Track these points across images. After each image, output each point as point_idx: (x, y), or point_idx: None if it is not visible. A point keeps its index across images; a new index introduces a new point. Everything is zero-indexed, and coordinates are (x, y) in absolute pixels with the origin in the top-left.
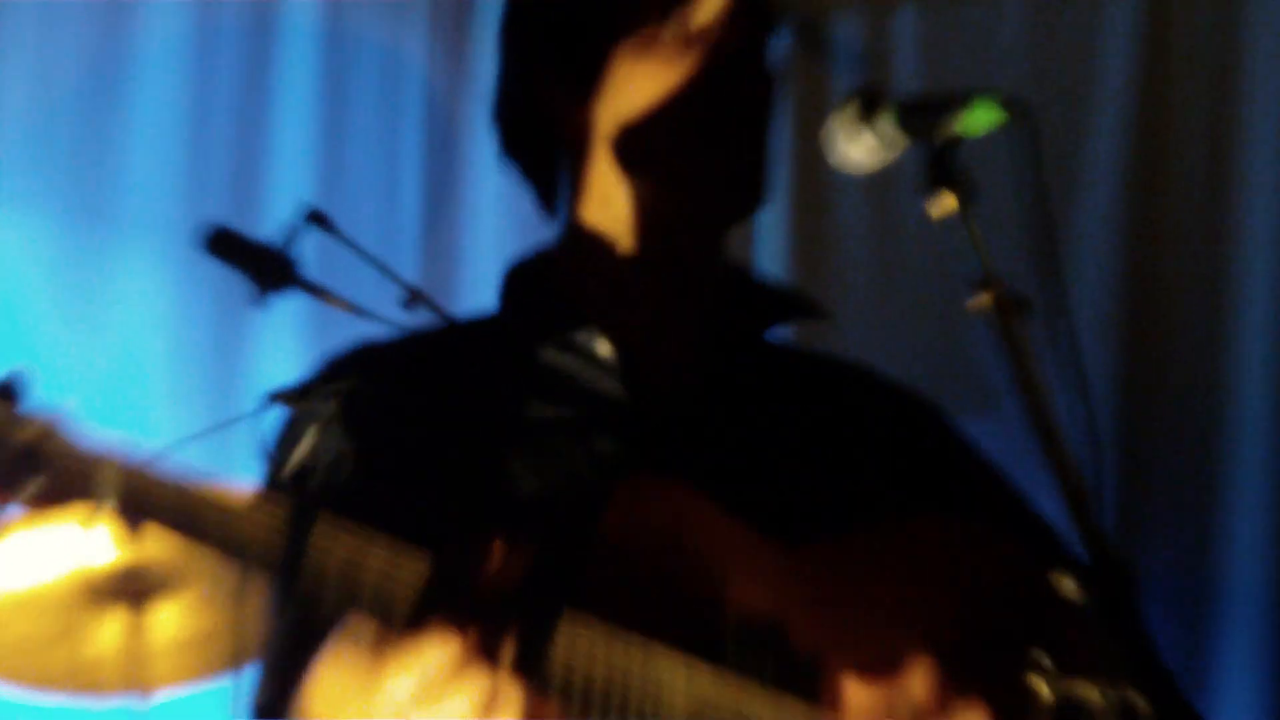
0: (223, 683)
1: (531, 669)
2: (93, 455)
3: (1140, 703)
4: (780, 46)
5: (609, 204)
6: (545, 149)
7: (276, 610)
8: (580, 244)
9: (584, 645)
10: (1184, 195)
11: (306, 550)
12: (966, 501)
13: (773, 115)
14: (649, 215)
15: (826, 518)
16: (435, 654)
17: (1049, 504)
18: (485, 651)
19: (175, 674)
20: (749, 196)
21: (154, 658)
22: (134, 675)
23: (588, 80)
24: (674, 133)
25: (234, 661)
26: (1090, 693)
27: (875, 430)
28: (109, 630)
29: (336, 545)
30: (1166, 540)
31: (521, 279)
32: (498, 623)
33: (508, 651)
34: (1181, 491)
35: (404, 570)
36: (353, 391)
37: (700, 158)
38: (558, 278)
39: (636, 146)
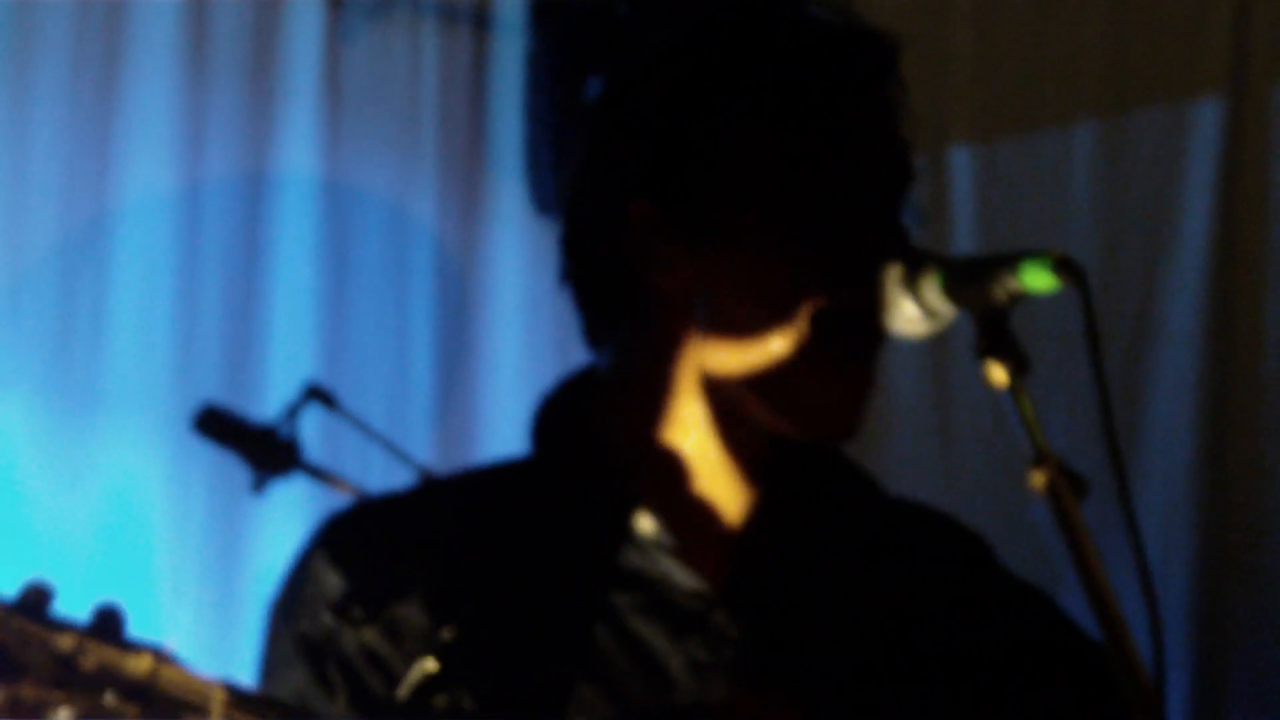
0: None
1: None
2: (203, 686)
3: None
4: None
5: (687, 389)
6: (621, 289)
7: None
8: (634, 394)
9: None
10: (1263, 335)
11: None
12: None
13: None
14: (736, 414)
15: (936, 704)
16: None
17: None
18: None
19: None
20: (848, 428)
21: None
22: None
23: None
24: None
25: None
26: None
27: (967, 583)
28: None
29: None
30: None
31: (557, 415)
32: None
33: None
34: (1256, 676)
35: None
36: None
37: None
38: (600, 417)
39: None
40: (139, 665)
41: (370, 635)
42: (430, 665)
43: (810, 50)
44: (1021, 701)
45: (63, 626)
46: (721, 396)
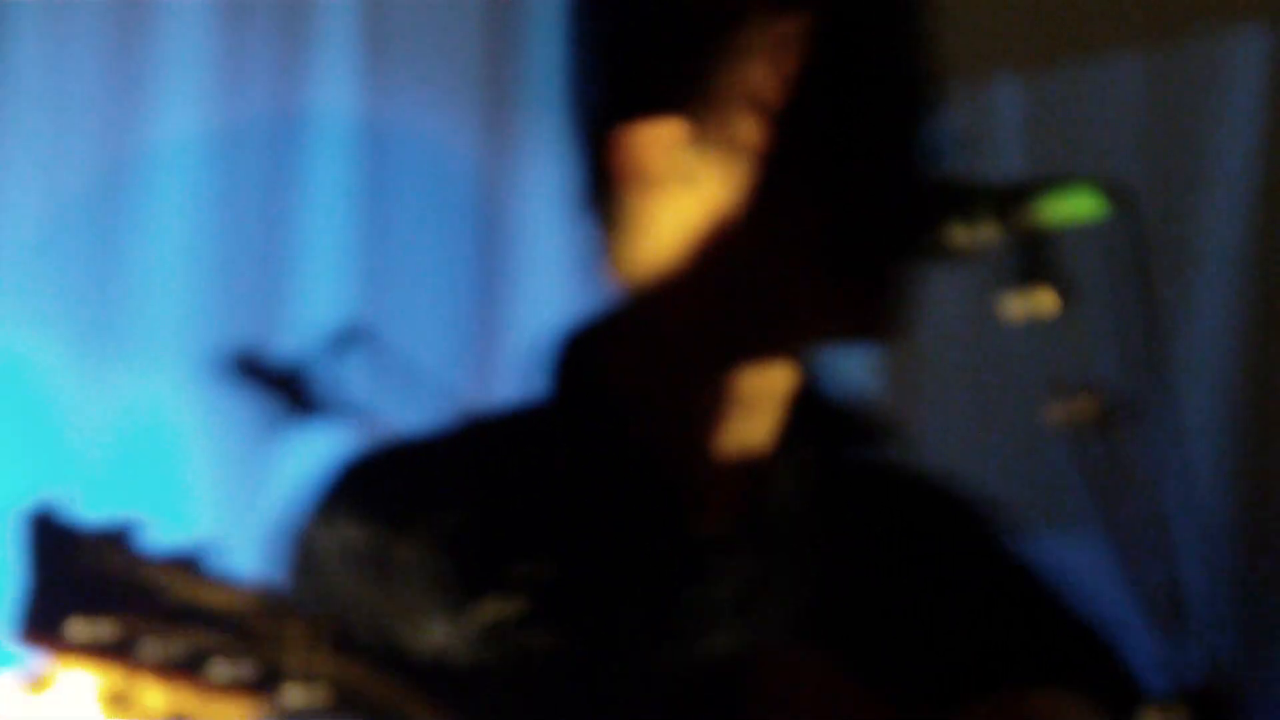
0: None
1: None
2: (299, 624)
3: None
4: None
5: (701, 271)
6: (618, 192)
7: None
8: (649, 319)
9: None
10: None
11: None
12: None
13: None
14: (764, 298)
15: (939, 686)
16: None
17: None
18: None
19: None
20: (883, 318)
21: None
22: None
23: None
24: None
25: None
26: None
27: (969, 553)
28: None
29: None
30: None
31: (575, 358)
32: None
33: None
34: None
35: None
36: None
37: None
38: (611, 355)
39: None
40: (229, 597)
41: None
42: (510, 607)
43: None
44: (1032, 669)
45: (151, 560)
46: (748, 325)
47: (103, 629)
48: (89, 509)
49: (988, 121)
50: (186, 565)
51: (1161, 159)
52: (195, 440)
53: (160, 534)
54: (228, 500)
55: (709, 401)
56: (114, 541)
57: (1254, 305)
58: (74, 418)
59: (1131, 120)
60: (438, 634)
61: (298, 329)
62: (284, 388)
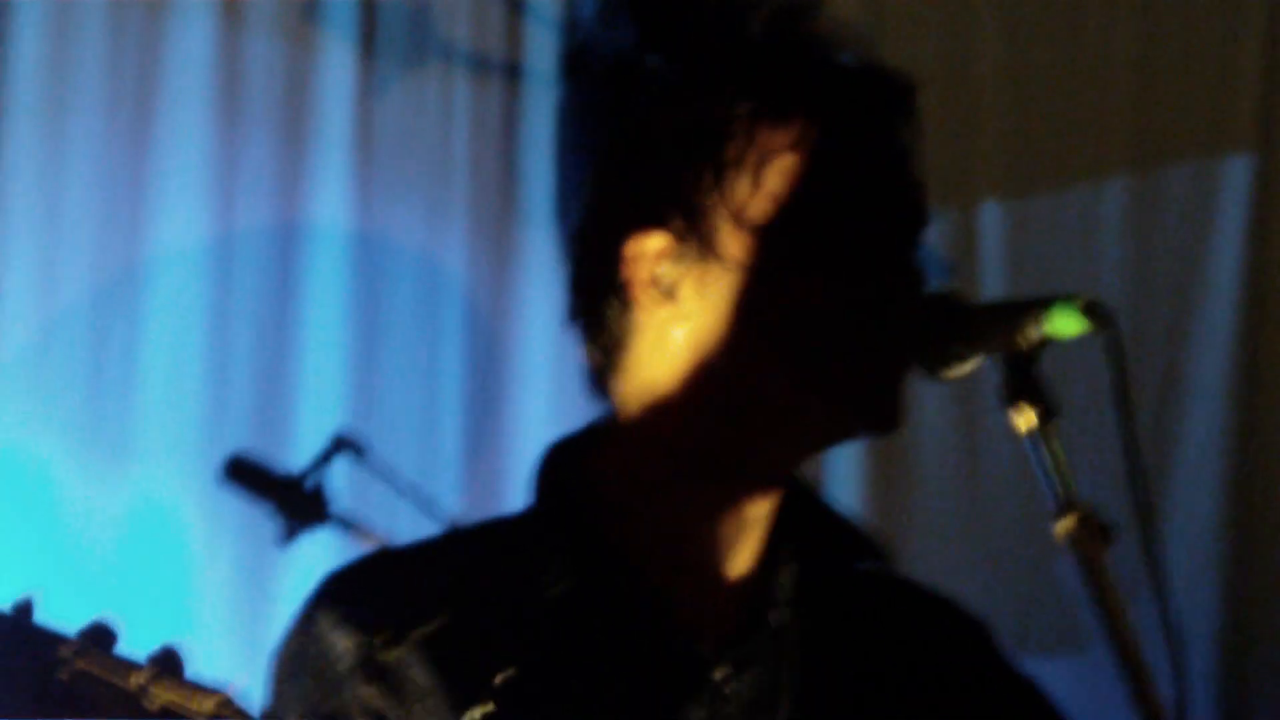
0: None
1: None
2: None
3: None
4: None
5: (684, 383)
6: (606, 306)
7: None
8: (635, 431)
9: None
10: None
11: None
12: None
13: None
14: (748, 420)
15: None
16: None
17: None
18: None
19: None
20: (887, 419)
21: None
22: None
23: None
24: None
25: None
26: None
27: (962, 671)
28: None
29: None
30: None
31: (559, 468)
32: None
33: None
34: None
35: None
36: (437, 636)
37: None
38: (599, 466)
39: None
40: (206, 705)
41: (370, 693)
42: (487, 710)
43: (824, 88)
44: None
45: (131, 666)
46: (734, 434)
47: None
48: (92, 600)
49: (972, 248)
50: (166, 667)
51: (1146, 286)
52: (195, 537)
53: (140, 637)
54: (228, 595)
55: (699, 515)
56: (90, 644)
57: (1240, 423)
58: (77, 513)
59: (1116, 248)
60: None
61: (293, 436)
62: (280, 494)
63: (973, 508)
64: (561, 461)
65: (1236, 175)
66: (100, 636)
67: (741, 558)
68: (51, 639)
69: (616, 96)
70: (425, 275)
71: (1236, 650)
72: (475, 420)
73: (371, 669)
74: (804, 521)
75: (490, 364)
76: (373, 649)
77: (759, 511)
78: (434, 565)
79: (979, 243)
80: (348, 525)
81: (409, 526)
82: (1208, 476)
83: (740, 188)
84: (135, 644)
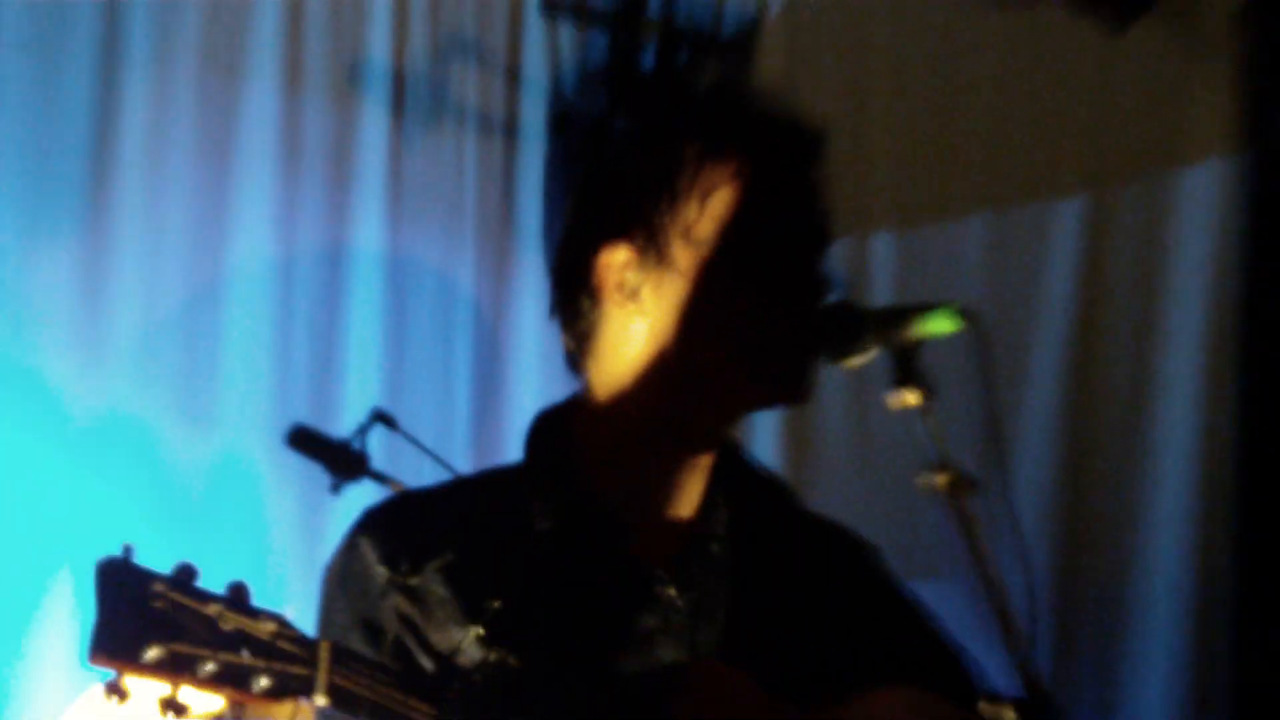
0: None
1: None
2: (314, 644)
3: None
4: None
5: (648, 363)
6: (581, 304)
7: None
8: (604, 399)
9: None
10: (1112, 393)
11: None
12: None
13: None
14: (691, 390)
15: (829, 687)
16: None
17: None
18: None
19: None
20: (796, 388)
21: None
22: None
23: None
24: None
25: None
26: None
27: (858, 585)
28: None
29: None
30: (1088, 680)
31: (545, 430)
32: None
33: None
34: (1099, 643)
35: None
36: (454, 571)
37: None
38: (576, 429)
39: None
40: (268, 628)
41: (403, 602)
42: (479, 631)
43: (754, 135)
44: (901, 672)
45: (208, 597)
46: (682, 403)
47: (165, 651)
48: (184, 535)
49: (865, 271)
50: (237, 599)
51: (1001, 300)
52: (266, 487)
53: (222, 564)
54: (292, 534)
55: (653, 467)
56: (176, 582)
57: (1071, 405)
58: (174, 466)
59: (979, 270)
60: (454, 636)
61: (340, 410)
62: (330, 455)
63: (863, 464)
64: (546, 425)
65: (1069, 216)
66: (185, 574)
67: (686, 501)
68: (148, 576)
69: (589, 147)
70: (441, 287)
71: (1066, 572)
72: (481, 397)
73: (399, 587)
74: (734, 473)
75: (493, 353)
76: (400, 575)
77: (700, 465)
78: (447, 503)
79: (871, 265)
80: (382, 479)
81: (429, 480)
82: (1045, 444)
83: (689, 212)
84: (219, 570)
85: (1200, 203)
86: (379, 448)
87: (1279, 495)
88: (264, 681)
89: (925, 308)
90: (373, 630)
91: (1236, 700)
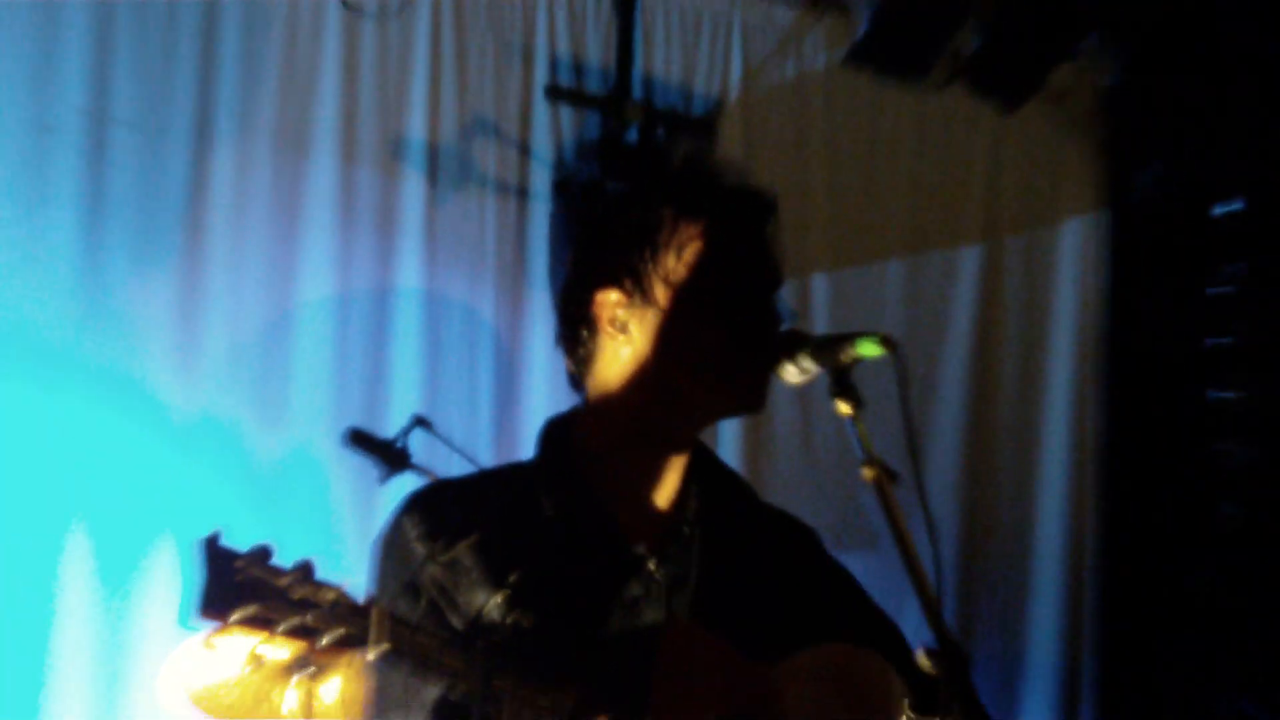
0: None
1: None
2: (366, 613)
3: None
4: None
5: (635, 380)
6: (581, 335)
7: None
8: (600, 410)
9: None
10: (1006, 401)
11: (489, 683)
12: (853, 615)
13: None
14: (670, 402)
15: (780, 643)
16: None
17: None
18: None
19: None
20: (754, 400)
21: (321, 715)
22: None
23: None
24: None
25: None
26: None
27: (802, 561)
28: (293, 697)
29: (503, 680)
30: (988, 632)
31: (553, 434)
32: None
33: None
34: (999, 601)
35: (544, 699)
36: (480, 547)
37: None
38: (577, 434)
39: (686, 348)
40: (329, 596)
41: (438, 570)
42: (501, 598)
43: (716, 199)
44: (838, 631)
45: (281, 571)
46: (663, 413)
47: (249, 612)
48: (262, 515)
49: (806, 305)
50: (304, 572)
51: (915, 331)
52: (329, 477)
53: (292, 538)
54: (349, 515)
55: (638, 464)
56: (256, 558)
57: (972, 410)
58: (253, 458)
59: (897, 306)
60: (478, 599)
61: (387, 416)
62: (380, 451)
63: (806, 460)
64: (553, 431)
65: (970, 260)
66: (263, 552)
67: (665, 492)
68: (231, 555)
69: (585, 205)
70: (468, 317)
71: (972, 544)
72: (500, 406)
73: (434, 559)
74: (704, 470)
75: (510, 371)
76: (435, 552)
77: (676, 463)
78: (473, 491)
79: (811, 300)
80: (421, 471)
81: (460, 473)
82: (953, 443)
83: (667, 261)
84: (289, 543)
85: (1074, 248)
86: (419, 446)
87: (1135, 478)
88: (326, 639)
89: (856, 336)
90: (413, 593)
91: (1104, 632)
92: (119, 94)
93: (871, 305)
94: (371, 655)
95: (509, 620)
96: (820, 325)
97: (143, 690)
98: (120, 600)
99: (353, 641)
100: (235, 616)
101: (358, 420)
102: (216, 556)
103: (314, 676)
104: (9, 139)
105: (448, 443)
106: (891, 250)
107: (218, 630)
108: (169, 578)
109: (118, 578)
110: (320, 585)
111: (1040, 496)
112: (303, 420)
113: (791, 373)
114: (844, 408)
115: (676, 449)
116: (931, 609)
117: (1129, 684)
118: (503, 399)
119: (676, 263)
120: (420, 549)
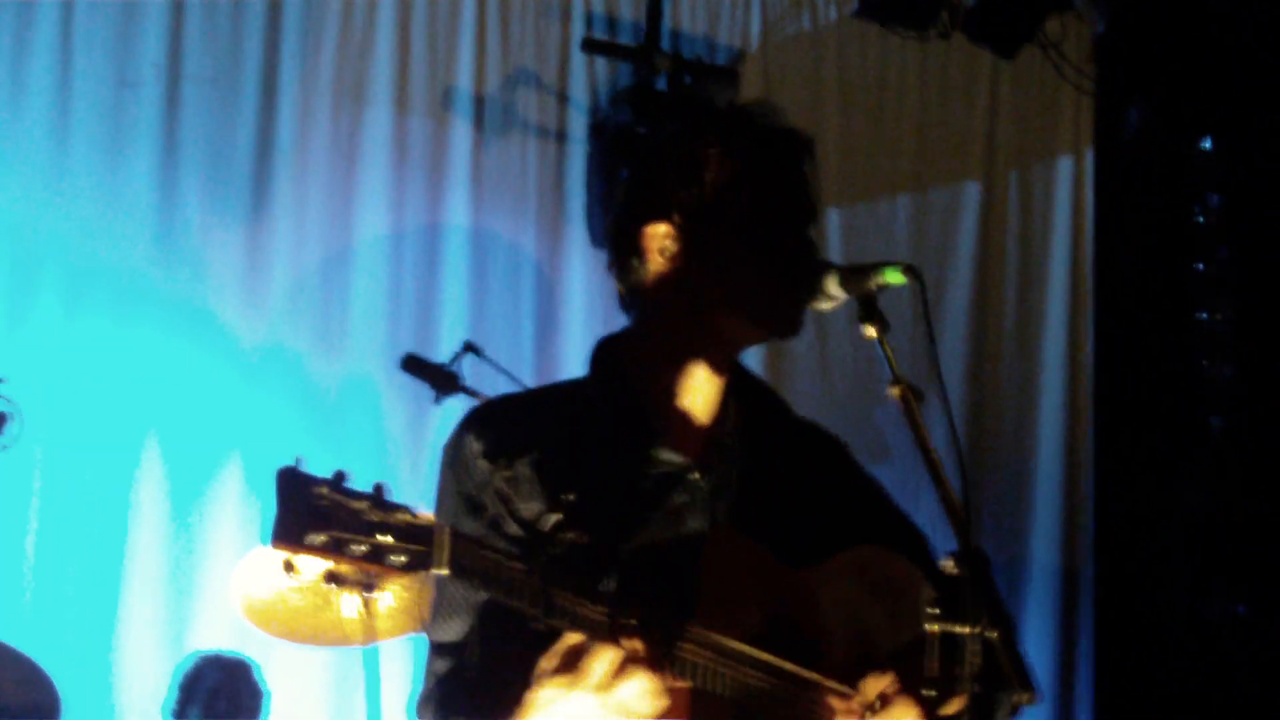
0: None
1: (666, 662)
2: (437, 529)
3: (992, 636)
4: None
5: (681, 306)
6: (631, 264)
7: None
8: (648, 331)
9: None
10: (1006, 322)
11: (551, 594)
12: (882, 520)
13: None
14: (713, 326)
15: (815, 547)
16: (612, 654)
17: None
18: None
19: (391, 631)
20: (791, 327)
21: (380, 620)
22: (367, 632)
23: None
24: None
25: (423, 625)
26: (962, 629)
27: (834, 469)
28: (350, 605)
29: (560, 593)
30: (992, 538)
31: (603, 353)
32: (653, 635)
33: (654, 651)
34: (1002, 507)
35: (597, 610)
36: (538, 460)
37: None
38: (625, 354)
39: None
40: (398, 518)
41: (500, 482)
42: (557, 515)
43: (759, 139)
44: (868, 536)
45: (356, 495)
46: (705, 335)
47: (327, 537)
48: (321, 437)
49: (820, 238)
50: (374, 498)
51: (921, 254)
52: (385, 400)
53: (351, 463)
54: (404, 435)
55: (683, 382)
56: (333, 484)
57: (976, 331)
58: (315, 383)
59: (905, 239)
60: (536, 508)
61: (440, 341)
62: (433, 375)
63: (823, 379)
64: (604, 350)
65: (971, 195)
66: (339, 478)
67: (706, 408)
68: (312, 480)
69: (619, 147)
70: (512, 251)
71: (975, 453)
72: (541, 332)
73: (495, 472)
74: (742, 387)
75: (550, 299)
76: (497, 468)
77: (717, 380)
78: (531, 408)
79: (825, 232)
80: (471, 393)
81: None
82: (957, 362)
83: (711, 196)
84: (346, 463)
85: (1068, 183)
86: (468, 370)
87: (1124, 389)
88: (399, 559)
89: (882, 265)
90: (475, 505)
91: (1102, 538)
92: (191, 51)
93: (881, 236)
94: (443, 573)
95: (566, 537)
96: (834, 256)
97: (211, 599)
98: (191, 514)
99: (425, 562)
100: (314, 540)
101: (411, 348)
102: (296, 482)
103: (372, 588)
104: (93, 94)
105: (495, 365)
106: (899, 186)
107: (299, 553)
108: (236, 494)
109: (188, 493)
110: (392, 508)
111: (1039, 413)
112: (360, 349)
113: (820, 299)
114: (871, 331)
115: (717, 369)
116: (955, 515)
117: (1126, 588)
118: (544, 325)
119: (720, 197)
120: (483, 464)
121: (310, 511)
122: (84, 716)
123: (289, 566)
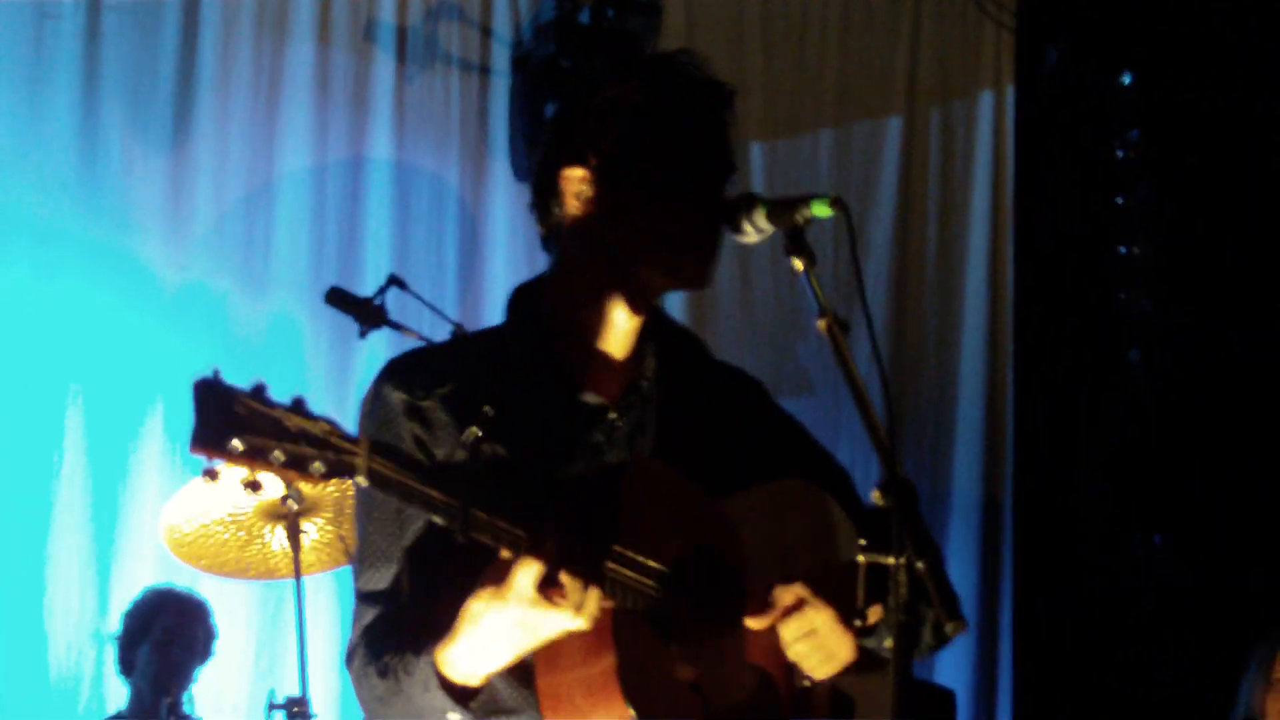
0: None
1: (591, 574)
2: (355, 441)
3: (919, 565)
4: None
5: (596, 251)
6: (550, 206)
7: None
8: (565, 275)
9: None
10: (928, 254)
11: (470, 512)
12: (802, 458)
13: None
14: (626, 272)
15: (733, 486)
16: (537, 567)
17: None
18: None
19: (317, 565)
20: (701, 280)
21: (305, 553)
22: (294, 565)
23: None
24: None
25: (350, 557)
26: (888, 559)
27: (753, 412)
28: (278, 538)
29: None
30: (916, 471)
31: (520, 299)
32: (574, 550)
33: (581, 566)
34: (924, 438)
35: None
36: (450, 395)
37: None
38: (543, 298)
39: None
40: (319, 427)
41: (419, 428)
42: (476, 431)
43: (680, 88)
44: (788, 473)
45: (276, 404)
46: (621, 280)
47: (246, 444)
48: (249, 370)
49: (744, 174)
50: (294, 408)
51: (844, 188)
52: (308, 334)
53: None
54: (326, 367)
55: (600, 325)
56: (253, 394)
57: (898, 263)
58: (239, 322)
59: (828, 174)
60: (453, 452)
61: (364, 275)
62: (358, 309)
63: (745, 315)
64: (521, 295)
65: (893, 130)
66: (259, 388)
67: (625, 350)
68: (231, 389)
69: (541, 81)
70: (436, 185)
71: (897, 396)
72: (465, 264)
73: (412, 412)
74: (660, 329)
75: (473, 233)
76: (413, 399)
77: (635, 323)
78: (449, 354)
79: (748, 170)
80: (397, 326)
81: (428, 328)
82: (881, 292)
83: (630, 145)
84: (278, 394)
85: (989, 118)
86: (393, 303)
87: (1043, 321)
88: (318, 466)
89: (810, 197)
90: (388, 447)
91: (1021, 469)
92: None
93: (804, 171)
94: (361, 483)
95: (484, 451)
96: (757, 190)
97: (137, 537)
98: (116, 459)
99: (343, 469)
100: (234, 445)
101: (336, 281)
102: (215, 392)
103: (301, 515)
104: (10, 27)
105: (419, 298)
106: (822, 121)
107: (217, 458)
108: (160, 439)
109: (113, 439)
110: (313, 418)
111: (961, 346)
112: (283, 285)
113: (748, 232)
114: (799, 263)
115: (634, 312)
116: (881, 446)
117: (1045, 517)
118: (468, 258)
119: (637, 146)
120: (399, 400)
121: (230, 419)
122: (15, 646)
123: (211, 474)
